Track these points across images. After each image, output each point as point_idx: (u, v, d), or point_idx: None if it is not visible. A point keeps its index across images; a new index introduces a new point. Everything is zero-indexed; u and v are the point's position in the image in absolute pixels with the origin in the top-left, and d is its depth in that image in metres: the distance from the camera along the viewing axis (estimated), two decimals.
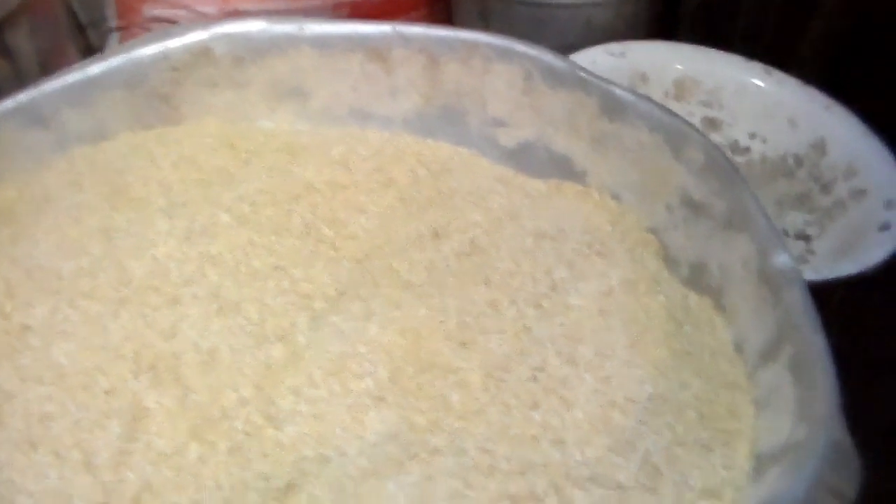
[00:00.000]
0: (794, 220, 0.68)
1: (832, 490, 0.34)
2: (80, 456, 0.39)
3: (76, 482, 0.38)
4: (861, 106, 0.69)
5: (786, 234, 0.67)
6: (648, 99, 0.52)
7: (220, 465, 0.39)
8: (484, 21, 0.80)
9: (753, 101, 0.73)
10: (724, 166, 0.48)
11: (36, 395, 0.41)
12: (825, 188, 0.67)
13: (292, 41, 0.57)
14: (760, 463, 0.39)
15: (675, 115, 0.51)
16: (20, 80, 0.64)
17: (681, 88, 0.74)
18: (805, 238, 0.66)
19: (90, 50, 0.80)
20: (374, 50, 0.57)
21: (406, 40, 0.56)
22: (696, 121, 0.74)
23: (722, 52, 0.74)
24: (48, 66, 0.68)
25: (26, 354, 0.43)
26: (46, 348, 0.43)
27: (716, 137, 0.73)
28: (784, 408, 0.39)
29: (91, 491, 0.38)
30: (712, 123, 0.74)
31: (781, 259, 0.43)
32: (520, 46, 0.55)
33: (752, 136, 0.73)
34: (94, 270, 0.47)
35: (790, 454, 0.36)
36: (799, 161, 0.70)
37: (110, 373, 0.42)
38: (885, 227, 0.59)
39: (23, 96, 0.53)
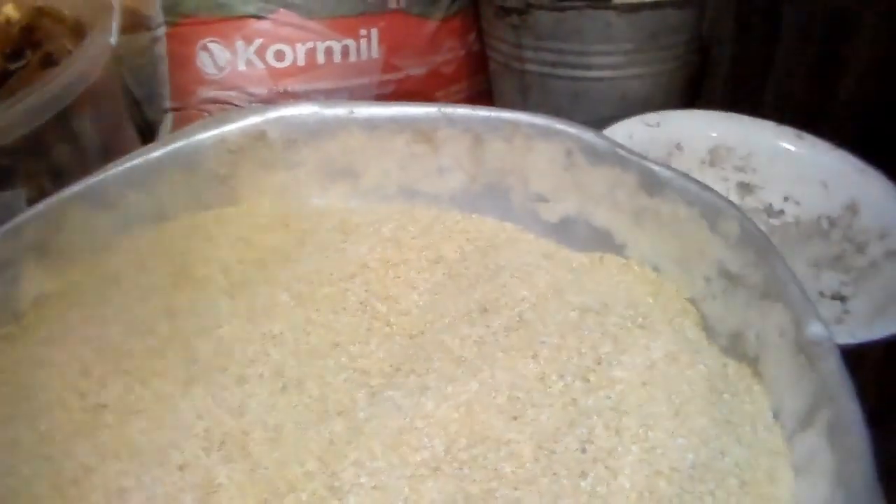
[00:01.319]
0: (830, 280, 0.70)
1: None
2: None
3: None
4: (893, 166, 0.71)
5: (822, 295, 0.69)
6: (684, 175, 0.54)
7: None
8: (522, 94, 0.82)
9: (786, 164, 0.75)
10: (758, 238, 0.50)
11: (113, 470, 0.43)
12: (859, 249, 0.69)
13: (343, 124, 0.60)
14: None
15: (710, 189, 0.53)
16: (83, 163, 0.67)
17: (715, 155, 0.76)
18: (841, 298, 0.68)
19: (146, 125, 0.83)
20: (421, 130, 0.60)
21: (451, 121, 0.59)
22: (730, 186, 0.76)
23: (754, 118, 0.77)
24: (109, 145, 0.71)
25: (103, 432, 0.45)
26: (121, 426, 0.45)
27: (750, 202, 0.75)
28: (822, 474, 0.40)
29: None
30: (746, 188, 0.76)
31: (815, 329, 0.44)
32: (560, 125, 0.57)
33: (786, 199, 0.75)
34: (163, 350, 0.49)
35: None
36: (832, 223, 0.72)
37: (183, 449, 0.44)
38: None
39: (89, 181, 0.56)
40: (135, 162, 0.57)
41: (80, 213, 0.55)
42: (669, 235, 0.54)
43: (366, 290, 0.53)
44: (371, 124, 0.60)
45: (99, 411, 0.46)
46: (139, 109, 0.85)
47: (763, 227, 0.70)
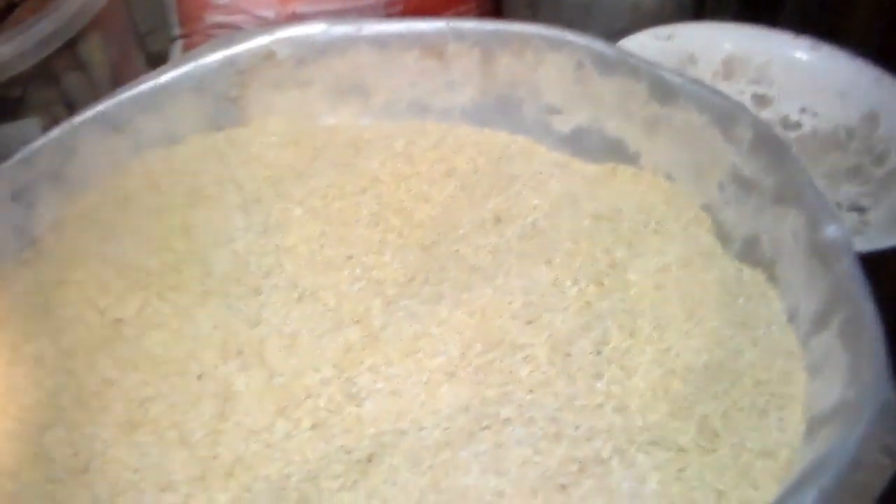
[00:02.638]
0: (848, 192, 0.69)
1: (883, 448, 0.35)
2: (177, 435, 0.42)
3: (174, 458, 0.41)
4: None
5: (839, 206, 0.68)
6: (696, 81, 0.54)
7: (305, 440, 0.42)
8: (532, 9, 0.81)
9: (802, 75, 0.74)
10: (772, 142, 0.49)
11: (134, 381, 0.44)
12: (878, 160, 0.68)
13: (352, 41, 0.59)
14: (813, 424, 0.40)
15: (723, 94, 0.52)
16: (94, 91, 0.67)
17: (729, 67, 0.75)
18: (859, 209, 0.67)
19: (153, 56, 0.83)
20: (430, 46, 0.59)
21: (460, 35, 0.59)
22: (745, 98, 0.75)
23: (769, 29, 0.76)
24: (118, 74, 0.71)
25: (123, 345, 0.46)
26: (140, 339, 0.46)
27: (766, 114, 0.75)
28: (835, 372, 0.40)
29: (188, 466, 0.41)
30: (762, 100, 0.75)
31: (831, 230, 0.44)
32: (571, 36, 0.57)
33: (803, 110, 0.74)
34: (179, 265, 0.50)
35: (841, 415, 0.38)
36: (851, 133, 0.71)
37: (201, 359, 0.45)
38: None
39: (100, 106, 0.56)
40: (145, 86, 0.57)
41: (92, 137, 0.56)
42: (682, 143, 0.54)
43: (378, 203, 0.53)
44: (380, 41, 0.59)
45: (118, 326, 0.47)
46: (147, 38, 0.85)
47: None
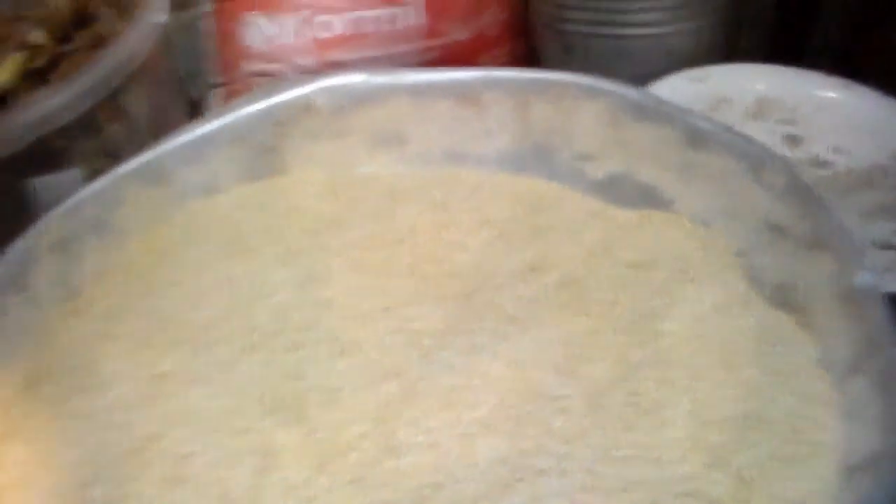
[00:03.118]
0: (881, 230, 0.69)
1: None
2: (219, 490, 0.42)
3: None
4: None
5: (874, 243, 0.68)
6: (728, 128, 0.54)
7: (345, 494, 0.42)
8: (566, 54, 0.82)
9: (833, 115, 0.74)
10: (804, 188, 0.50)
11: (176, 437, 0.45)
12: None
13: (390, 90, 0.61)
14: (850, 474, 0.40)
15: (755, 141, 0.53)
16: (134, 139, 0.68)
17: (761, 108, 0.76)
18: (892, 248, 0.67)
19: (192, 102, 0.84)
20: (466, 94, 0.60)
21: (496, 84, 0.60)
22: (777, 139, 0.75)
23: (799, 69, 0.76)
24: (158, 123, 0.72)
25: (165, 400, 0.47)
26: (182, 394, 0.47)
27: (797, 153, 0.75)
28: (871, 420, 0.41)
29: None
30: (794, 140, 0.75)
31: (863, 277, 0.45)
32: (605, 84, 0.58)
33: (835, 150, 0.74)
34: (220, 319, 0.51)
35: (878, 464, 0.38)
36: (883, 171, 0.71)
37: (242, 414, 0.45)
38: None
39: (143, 157, 0.57)
40: (185, 137, 0.58)
41: (134, 189, 0.57)
42: (716, 189, 0.54)
43: (415, 254, 0.54)
44: (417, 90, 0.60)
45: (160, 381, 0.48)
46: (185, 86, 0.86)
47: (811, 179, 0.70)
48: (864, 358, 0.43)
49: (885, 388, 0.41)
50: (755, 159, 0.52)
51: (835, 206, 0.49)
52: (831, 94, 0.75)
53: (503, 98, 0.60)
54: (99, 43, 0.68)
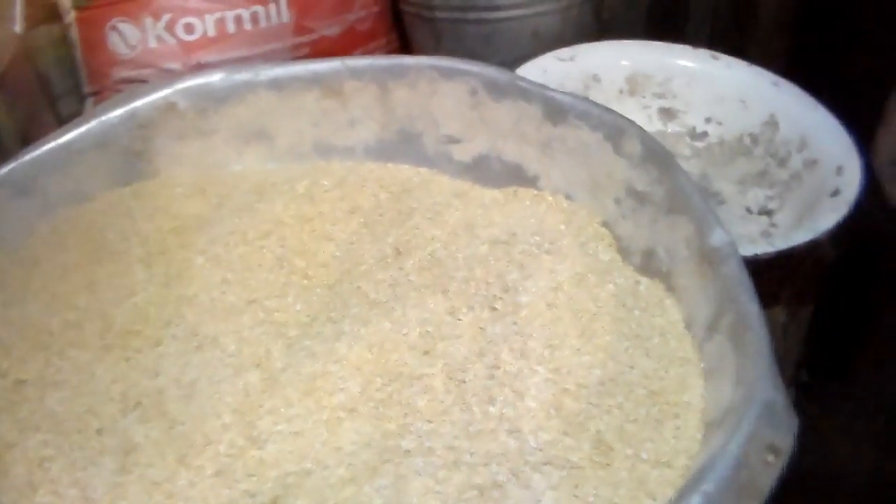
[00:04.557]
0: (757, 196, 0.71)
1: (768, 446, 0.36)
2: (78, 492, 0.42)
3: None
4: (818, 85, 0.72)
5: (749, 211, 0.70)
6: (586, 99, 0.55)
7: (208, 487, 0.42)
8: (436, 42, 0.82)
9: (704, 86, 0.76)
10: (660, 153, 0.50)
11: (34, 442, 0.44)
12: (781, 162, 0.70)
13: (250, 87, 0.60)
14: (709, 430, 0.41)
15: (612, 111, 0.53)
16: (1, 154, 0.67)
17: (633, 84, 0.77)
18: (768, 213, 0.69)
19: (68, 118, 0.83)
20: (328, 85, 0.60)
21: (355, 72, 0.59)
22: (652, 113, 0.76)
23: (667, 44, 0.77)
24: (27, 136, 0.71)
25: (23, 406, 0.46)
26: (41, 399, 0.46)
27: (674, 127, 0.76)
28: (727, 376, 0.41)
29: None
30: (668, 113, 0.76)
31: (717, 236, 0.45)
32: (461, 65, 0.58)
33: (708, 120, 0.76)
34: (80, 322, 0.50)
35: (729, 417, 0.39)
36: (755, 139, 0.73)
37: (101, 414, 0.45)
38: (835, 192, 0.62)
39: (4, 169, 0.56)
40: (48, 146, 0.58)
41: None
42: (577, 162, 0.55)
43: (282, 247, 0.54)
44: (278, 84, 0.60)
45: (19, 387, 0.47)
46: (65, 101, 0.85)
47: (688, 151, 0.71)
48: (720, 315, 0.43)
49: (737, 342, 0.41)
50: (613, 129, 0.53)
51: (686, 170, 0.50)
52: (700, 66, 0.76)
53: (364, 86, 0.59)
54: None
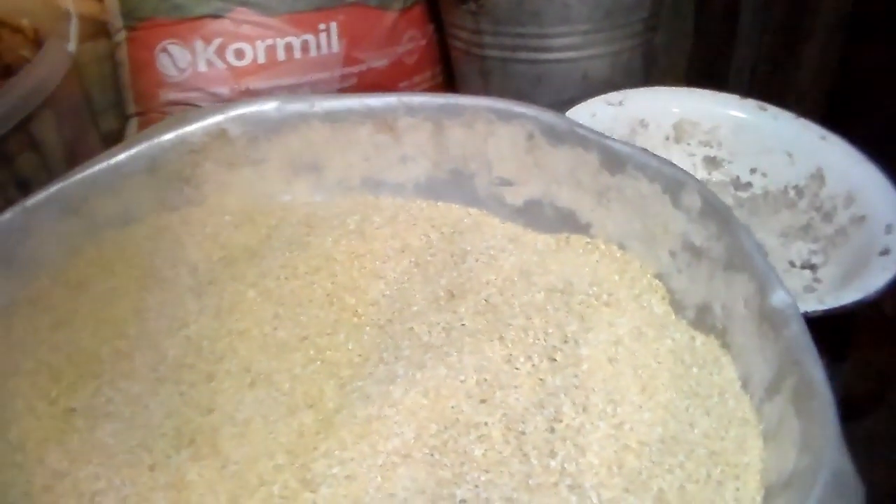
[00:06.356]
0: (800, 250, 0.70)
1: None
2: None
3: None
4: (859, 134, 0.71)
5: (792, 265, 0.69)
6: (644, 150, 0.54)
7: None
8: (484, 80, 0.82)
9: (751, 137, 0.75)
10: (720, 209, 0.50)
11: (85, 474, 0.43)
12: (827, 217, 0.70)
13: (304, 118, 0.60)
14: (769, 493, 0.40)
15: (671, 163, 0.53)
16: (48, 171, 0.67)
17: (680, 131, 0.76)
18: (811, 267, 0.68)
19: (108, 134, 0.82)
20: (382, 120, 0.60)
21: (411, 109, 0.59)
22: (697, 161, 0.76)
23: (716, 92, 0.77)
24: (73, 153, 0.70)
25: (73, 436, 0.45)
26: (92, 429, 0.45)
27: (717, 175, 0.76)
28: (789, 439, 0.41)
29: None
30: (713, 162, 0.76)
31: (779, 296, 0.45)
32: (519, 108, 0.57)
33: (753, 171, 0.75)
34: (131, 351, 0.49)
35: (795, 483, 0.38)
36: (800, 192, 0.72)
37: (153, 449, 0.44)
38: (885, 251, 0.61)
39: (53, 188, 0.55)
40: (98, 167, 0.57)
41: (45, 220, 0.55)
42: (633, 212, 0.54)
43: (332, 283, 0.54)
44: (332, 117, 0.60)
45: (69, 416, 0.46)
46: (104, 117, 0.85)
47: (731, 201, 0.71)
48: (781, 377, 0.43)
49: (800, 408, 0.41)
50: (671, 181, 0.52)
51: (748, 227, 0.49)
52: (747, 116, 0.75)
53: (418, 123, 0.59)
54: (8, 72, 0.67)
